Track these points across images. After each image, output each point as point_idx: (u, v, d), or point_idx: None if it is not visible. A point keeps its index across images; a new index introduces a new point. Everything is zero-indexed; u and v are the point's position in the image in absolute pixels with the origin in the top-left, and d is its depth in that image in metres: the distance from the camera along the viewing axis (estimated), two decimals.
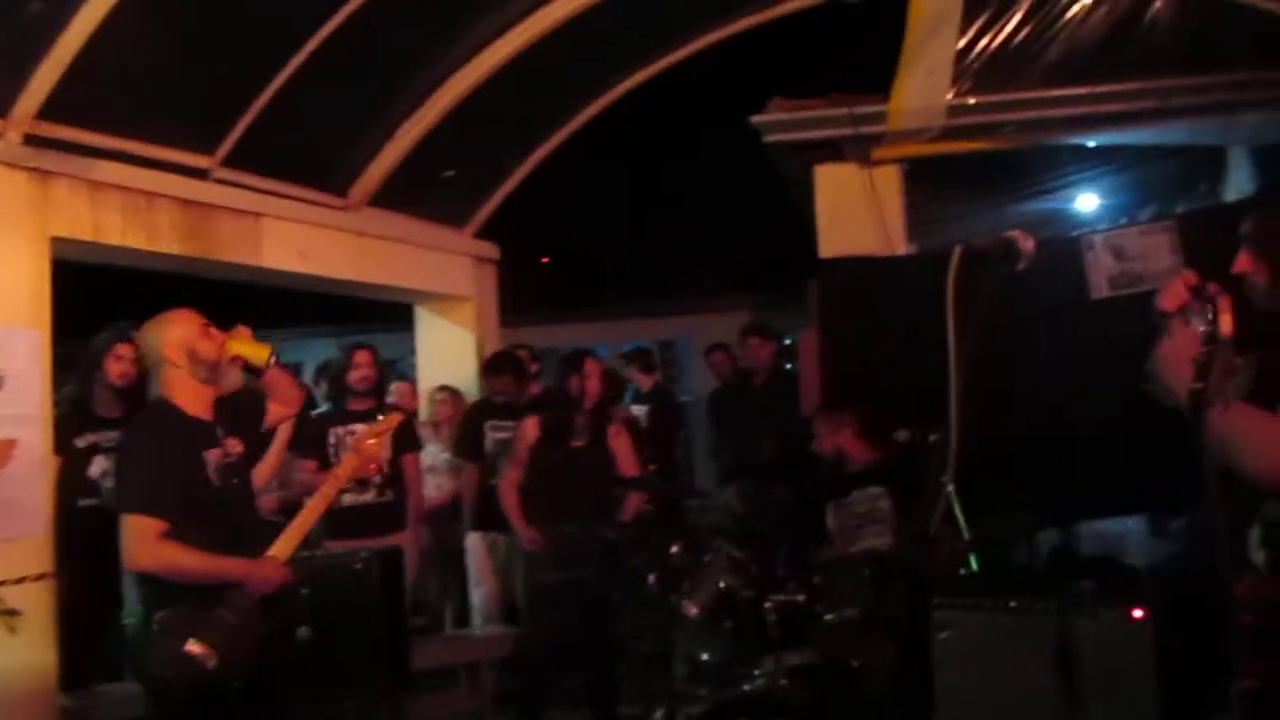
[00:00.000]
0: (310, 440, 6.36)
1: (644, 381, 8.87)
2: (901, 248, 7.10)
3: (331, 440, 6.36)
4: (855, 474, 5.42)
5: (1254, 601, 2.66)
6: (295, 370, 9.46)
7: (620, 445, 5.84)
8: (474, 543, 7.12)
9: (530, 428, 5.88)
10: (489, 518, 6.76)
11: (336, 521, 6.32)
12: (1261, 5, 6.19)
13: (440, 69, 7.05)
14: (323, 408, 6.85)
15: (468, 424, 7.23)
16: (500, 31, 6.93)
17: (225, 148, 6.36)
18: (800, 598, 4.63)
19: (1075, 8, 6.78)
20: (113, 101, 5.73)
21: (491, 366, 7.23)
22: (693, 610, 4.66)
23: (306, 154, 7.02)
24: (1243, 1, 6.18)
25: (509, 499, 5.87)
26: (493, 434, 6.91)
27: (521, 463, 5.85)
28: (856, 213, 7.04)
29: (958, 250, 2.11)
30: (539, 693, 5.70)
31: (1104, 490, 5.49)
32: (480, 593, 7.10)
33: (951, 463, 2.25)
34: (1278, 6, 6.10)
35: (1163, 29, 6.82)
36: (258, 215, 6.63)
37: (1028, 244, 2.23)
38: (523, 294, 9.78)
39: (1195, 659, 3.34)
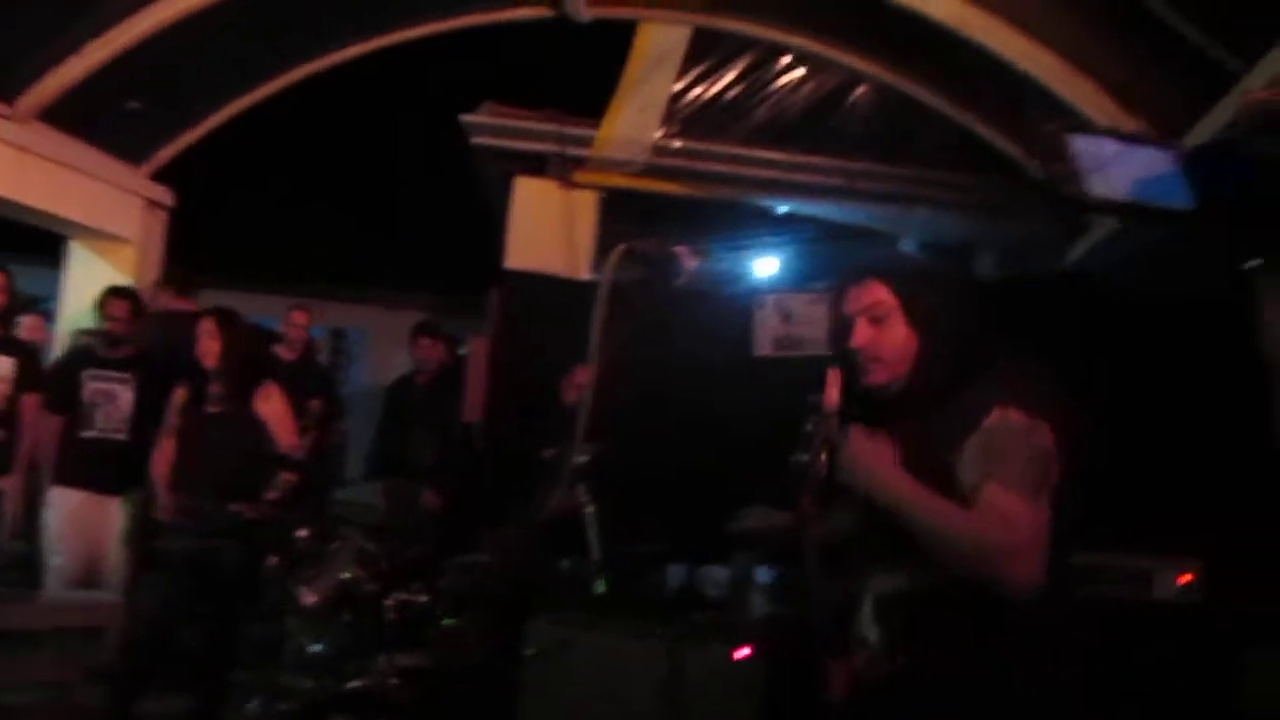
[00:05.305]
0: None
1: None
2: (586, 273, 7.18)
3: None
4: None
5: (867, 678, 2.45)
6: None
7: (271, 412, 5.42)
8: (57, 499, 6.24)
9: (179, 394, 5.52)
10: (75, 473, 6.17)
11: None
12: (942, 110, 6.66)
13: None
14: None
15: (62, 373, 6.48)
16: None
17: None
18: (423, 598, 4.55)
19: (786, 77, 7.12)
20: None
21: (111, 289, 6.57)
22: (310, 598, 4.46)
23: None
24: (928, 103, 6.64)
25: (159, 470, 5.45)
26: (91, 384, 6.28)
27: (174, 431, 5.49)
28: (549, 230, 7.08)
29: (620, 248, 2.10)
30: (140, 670, 5.29)
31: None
32: (62, 556, 6.17)
33: (569, 465, 2.23)
34: (958, 113, 6.59)
35: (860, 115, 7.27)
36: None
37: (691, 261, 2.23)
38: (197, 255, 9.24)
39: (797, 704, 3.44)
